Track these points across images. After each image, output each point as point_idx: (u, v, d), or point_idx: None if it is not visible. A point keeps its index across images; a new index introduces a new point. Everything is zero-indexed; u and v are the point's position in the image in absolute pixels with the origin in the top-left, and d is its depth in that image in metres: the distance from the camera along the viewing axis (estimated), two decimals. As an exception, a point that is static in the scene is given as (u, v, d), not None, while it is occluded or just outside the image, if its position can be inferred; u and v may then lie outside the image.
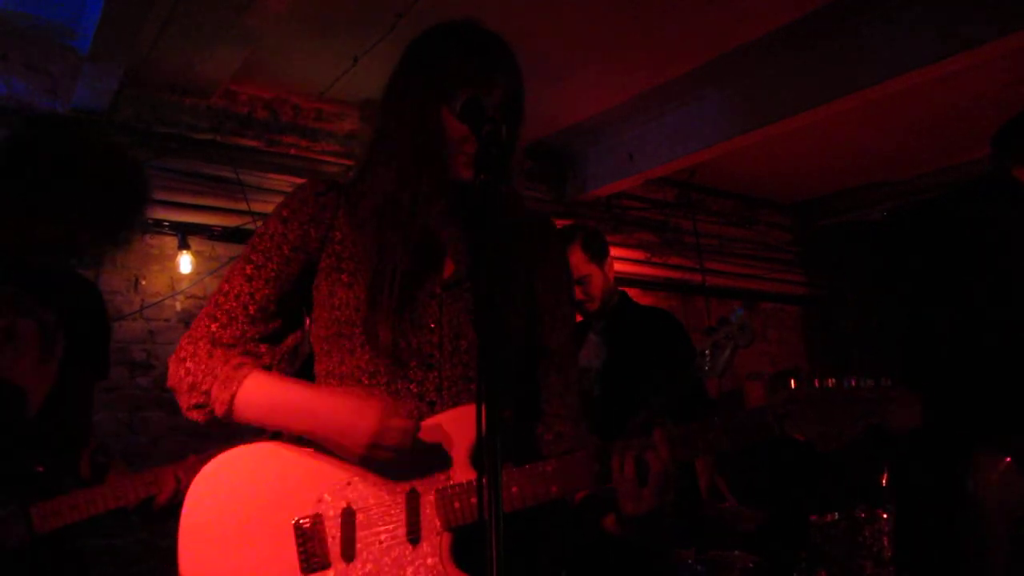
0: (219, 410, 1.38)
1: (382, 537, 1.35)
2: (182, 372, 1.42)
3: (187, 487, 1.39)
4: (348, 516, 1.35)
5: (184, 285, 3.93)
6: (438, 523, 1.35)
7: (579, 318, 3.39)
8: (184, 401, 1.42)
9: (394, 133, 1.48)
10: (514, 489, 1.34)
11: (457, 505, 1.34)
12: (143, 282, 3.86)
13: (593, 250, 3.13)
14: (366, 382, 1.42)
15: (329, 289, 1.47)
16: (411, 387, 1.42)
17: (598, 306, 3.15)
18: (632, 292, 3.37)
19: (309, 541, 1.35)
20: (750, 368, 6.18)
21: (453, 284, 1.48)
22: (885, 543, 3.58)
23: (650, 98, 4.37)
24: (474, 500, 1.33)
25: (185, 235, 3.86)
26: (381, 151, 1.51)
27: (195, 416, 1.42)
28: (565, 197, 5.18)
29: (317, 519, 1.36)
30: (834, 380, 1.42)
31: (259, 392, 1.38)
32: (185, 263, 3.85)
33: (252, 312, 1.46)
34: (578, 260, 3.09)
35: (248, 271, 1.46)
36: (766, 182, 5.91)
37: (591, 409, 3.12)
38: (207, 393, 1.39)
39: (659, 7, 3.44)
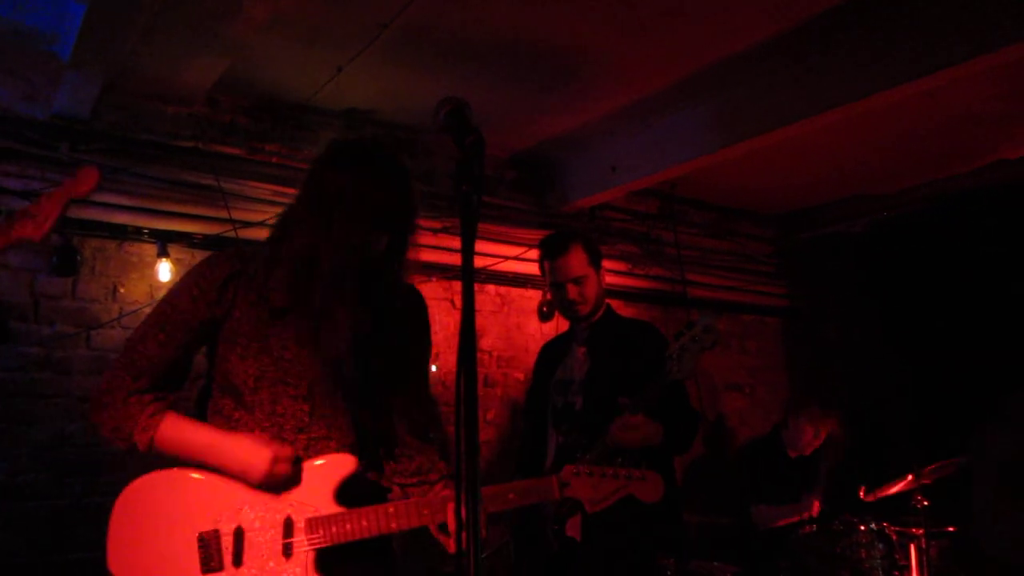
0: (141, 449, 1.79)
1: (263, 551, 1.78)
2: (105, 417, 1.80)
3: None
4: (239, 533, 1.78)
5: (163, 293, 3.89)
6: (305, 543, 1.79)
7: (561, 318, 3.40)
8: (108, 436, 1.81)
9: (309, 244, 1.81)
10: (364, 523, 1.81)
11: (321, 531, 1.79)
12: (121, 290, 3.82)
13: (592, 253, 3.18)
14: (250, 428, 1.85)
15: (224, 355, 1.87)
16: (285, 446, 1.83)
17: (590, 309, 3.17)
18: (615, 303, 3.38)
19: (209, 548, 1.77)
20: (731, 379, 6.22)
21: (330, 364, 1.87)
22: (863, 555, 3.60)
23: (633, 110, 4.39)
24: (333, 528, 1.79)
25: (165, 243, 3.83)
26: (297, 252, 1.83)
27: (119, 446, 1.81)
28: (548, 208, 5.19)
29: (215, 533, 1.78)
30: (598, 466, 2.01)
31: (173, 434, 1.80)
32: (164, 271, 3.82)
33: (161, 369, 1.85)
34: (579, 260, 3.13)
35: (161, 338, 1.84)
36: (748, 194, 5.95)
37: (574, 421, 3.12)
38: (129, 435, 1.78)
39: (642, 20, 3.46)
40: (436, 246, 4.54)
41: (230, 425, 1.86)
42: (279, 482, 1.79)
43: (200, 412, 1.95)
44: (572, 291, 3.13)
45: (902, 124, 4.59)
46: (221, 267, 1.89)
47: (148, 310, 3.77)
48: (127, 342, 1.87)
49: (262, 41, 3.47)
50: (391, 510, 1.81)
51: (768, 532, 4.23)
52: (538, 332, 5.11)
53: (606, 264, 3.34)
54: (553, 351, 3.43)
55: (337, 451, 1.87)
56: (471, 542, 1.07)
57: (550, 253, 3.20)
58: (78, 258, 3.65)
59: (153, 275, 3.84)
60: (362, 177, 1.80)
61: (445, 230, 4.65)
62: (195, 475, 1.83)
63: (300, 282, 1.81)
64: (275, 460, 1.76)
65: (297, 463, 1.81)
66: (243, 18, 3.08)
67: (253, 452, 1.76)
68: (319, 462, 1.84)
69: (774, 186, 5.74)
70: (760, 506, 4.40)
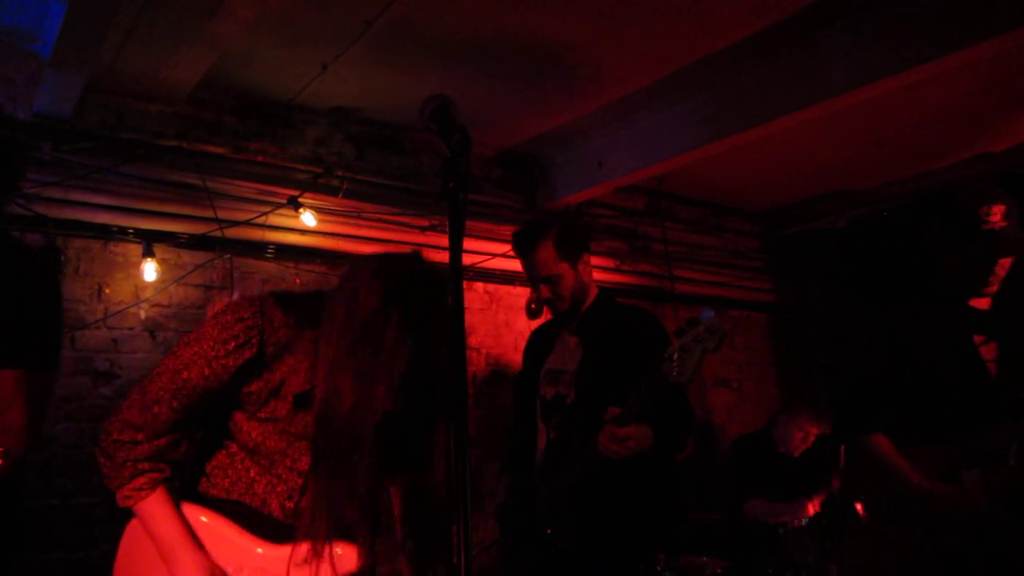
0: (120, 505, 1.81)
1: None
2: (103, 461, 1.84)
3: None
4: None
5: (149, 293, 3.87)
6: None
7: (549, 315, 3.34)
8: (104, 476, 1.84)
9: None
10: None
11: None
12: (106, 290, 3.80)
13: (565, 248, 2.99)
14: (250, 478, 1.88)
15: (239, 419, 1.88)
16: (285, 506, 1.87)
17: (567, 305, 3.04)
18: (602, 299, 3.34)
19: None
20: (719, 375, 6.24)
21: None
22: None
23: (618, 107, 4.40)
24: None
25: (150, 242, 3.80)
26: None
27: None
28: (536, 205, 5.19)
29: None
30: None
31: (145, 516, 1.81)
32: (150, 271, 3.79)
33: (167, 433, 1.82)
34: (548, 258, 2.97)
35: (175, 405, 1.80)
36: (734, 190, 5.97)
37: (565, 415, 3.08)
38: (114, 493, 1.81)
39: (626, 17, 3.46)
40: (424, 244, 4.53)
41: (232, 466, 1.88)
42: None
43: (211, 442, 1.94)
44: (544, 290, 3.02)
45: (882, 120, 4.62)
46: (240, 352, 1.81)
47: (133, 310, 3.81)
48: (140, 394, 1.83)
49: (247, 39, 3.45)
50: None
51: (758, 526, 4.25)
52: (527, 329, 5.11)
53: (594, 261, 3.24)
54: (543, 338, 3.30)
55: (335, 536, 1.81)
56: (463, 542, 1.06)
57: (518, 251, 3.07)
58: (62, 258, 3.63)
59: (138, 275, 3.81)
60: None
61: (432, 228, 4.65)
62: (204, 518, 1.86)
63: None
64: None
65: None
66: (228, 16, 3.06)
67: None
68: (302, 548, 1.80)
69: (760, 182, 5.76)
70: (754, 501, 4.41)
